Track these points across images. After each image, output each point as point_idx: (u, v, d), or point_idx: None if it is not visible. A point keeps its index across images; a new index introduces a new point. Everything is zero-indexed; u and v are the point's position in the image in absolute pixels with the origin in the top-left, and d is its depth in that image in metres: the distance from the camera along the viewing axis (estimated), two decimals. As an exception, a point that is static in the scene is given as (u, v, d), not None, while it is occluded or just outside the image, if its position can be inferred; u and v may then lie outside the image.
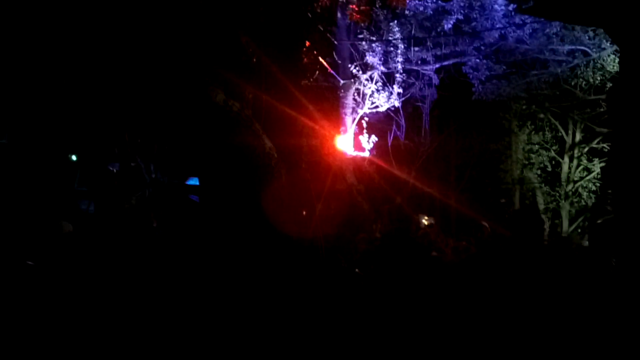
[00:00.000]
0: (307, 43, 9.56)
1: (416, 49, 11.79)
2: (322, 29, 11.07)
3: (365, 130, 11.81)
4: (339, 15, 11.25)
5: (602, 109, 12.29)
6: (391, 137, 12.70)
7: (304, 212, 5.21)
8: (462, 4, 10.47)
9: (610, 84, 10.23)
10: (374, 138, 11.86)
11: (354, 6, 10.43)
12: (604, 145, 13.76)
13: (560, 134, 15.15)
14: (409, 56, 11.66)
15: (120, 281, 4.10)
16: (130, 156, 9.63)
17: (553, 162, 15.39)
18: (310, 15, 10.58)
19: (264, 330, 3.28)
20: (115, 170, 9.96)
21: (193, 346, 3.17)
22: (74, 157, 13.33)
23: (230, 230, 3.82)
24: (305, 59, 9.86)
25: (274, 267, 3.87)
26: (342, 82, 11.52)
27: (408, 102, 12.97)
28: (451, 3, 10.63)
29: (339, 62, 11.50)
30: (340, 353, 3.13)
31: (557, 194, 14.93)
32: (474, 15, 10.57)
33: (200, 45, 4.41)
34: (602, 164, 13.98)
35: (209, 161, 4.08)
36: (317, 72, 10.19)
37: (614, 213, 2.70)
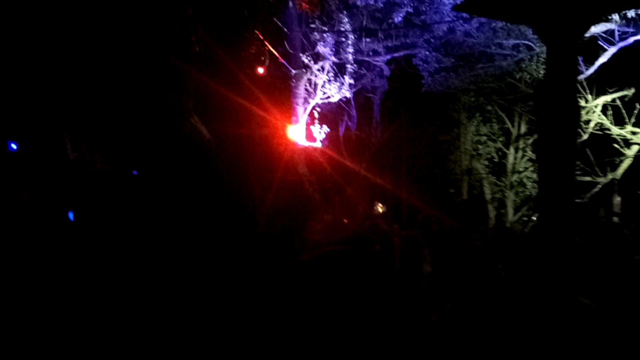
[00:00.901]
0: (258, 33, 9.44)
1: (367, 40, 11.87)
2: (272, 17, 10.98)
3: (317, 121, 11.85)
4: (290, 4, 11.18)
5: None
6: (343, 128, 12.78)
7: (248, 205, 5.17)
8: (411, -3, 10.62)
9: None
10: (325, 128, 11.92)
11: (303, -4, 10.39)
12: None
13: (506, 125, 15.60)
14: (361, 47, 11.74)
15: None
16: (73, 145, 9.30)
17: (499, 153, 15.84)
18: (259, 3, 10.48)
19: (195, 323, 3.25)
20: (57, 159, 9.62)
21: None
22: (14, 146, 12.82)
23: (165, 223, 3.76)
24: (254, 48, 9.76)
25: (214, 261, 3.84)
26: (293, 71, 11.47)
27: (360, 93, 13.08)
28: (401, -5, 10.74)
29: (291, 51, 11.44)
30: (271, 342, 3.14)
31: (503, 184, 15.40)
32: (423, 8, 10.71)
33: (137, 26, 4.26)
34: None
35: (143, 151, 3.99)
36: (267, 61, 10.09)
37: (539, 207, 2.81)
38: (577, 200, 10.10)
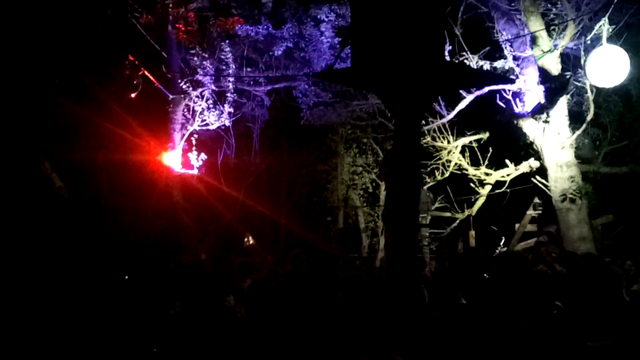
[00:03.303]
0: (132, 57, 9.13)
1: (248, 69, 11.94)
2: (151, 41, 10.69)
3: (194, 148, 11.61)
4: (170, 27, 10.96)
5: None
6: (221, 156, 12.65)
7: (105, 238, 4.92)
8: (292, 33, 10.88)
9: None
10: (203, 156, 11.71)
11: (181, 26, 10.24)
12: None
13: (380, 158, 16.37)
14: (241, 76, 11.77)
15: None
16: None
17: (374, 184, 16.55)
18: (137, 26, 10.16)
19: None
20: None
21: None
22: None
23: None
24: (129, 72, 9.41)
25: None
26: (171, 97, 11.21)
27: (240, 122, 13.05)
28: (282, 30, 10.97)
29: (169, 76, 11.18)
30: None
31: (376, 214, 16.08)
32: (303, 45, 11.04)
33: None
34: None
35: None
36: (141, 85, 9.76)
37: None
38: (440, 233, 10.85)
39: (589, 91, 7.94)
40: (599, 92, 8.37)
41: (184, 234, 11.37)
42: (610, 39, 7.23)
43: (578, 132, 8.13)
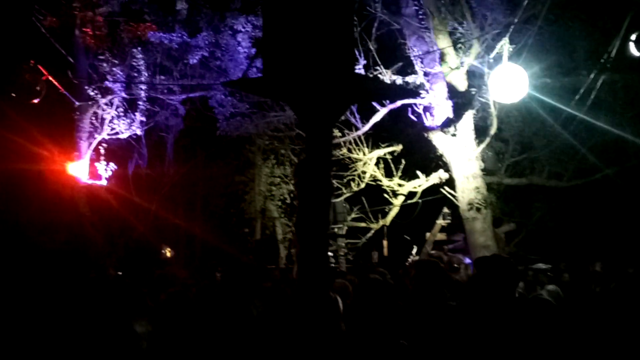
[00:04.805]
0: (33, 61, 8.58)
1: (162, 77, 11.57)
2: (56, 45, 10.11)
3: (103, 157, 11.06)
4: (77, 32, 10.42)
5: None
6: (132, 166, 12.16)
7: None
8: (207, 41, 10.69)
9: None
10: (112, 166, 11.18)
11: (89, 30, 9.77)
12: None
13: (298, 169, 16.43)
14: (154, 84, 11.38)
15: None
16: None
17: (291, 195, 16.56)
18: (41, 29, 9.59)
19: None
20: None
21: None
22: None
23: None
24: (30, 76, 8.83)
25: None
26: (77, 103, 10.63)
27: (153, 131, 12.61)
28: (197, 39, 10.75)
29: (75, 82, 10.60)
30: None
31: (294, 225, 16.11)
32: (219, 54, 10.87)
33: None
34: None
35: None
36: (44, 91, 9.18)
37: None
38: (355, 243, 11.02)
39: (492, 107, 8.39)
40: (501, 107, 8.87)
41: (91, 248, 10.77)
42: (511, 58, 7.71)
43: (483, 146, 8.57)
